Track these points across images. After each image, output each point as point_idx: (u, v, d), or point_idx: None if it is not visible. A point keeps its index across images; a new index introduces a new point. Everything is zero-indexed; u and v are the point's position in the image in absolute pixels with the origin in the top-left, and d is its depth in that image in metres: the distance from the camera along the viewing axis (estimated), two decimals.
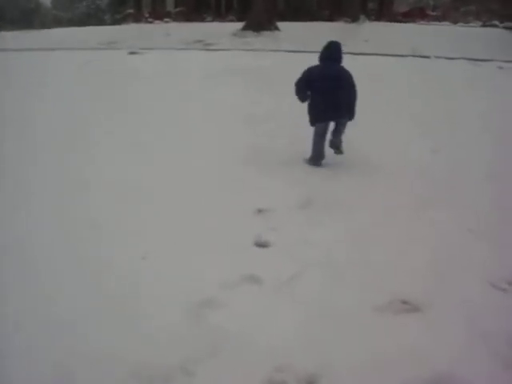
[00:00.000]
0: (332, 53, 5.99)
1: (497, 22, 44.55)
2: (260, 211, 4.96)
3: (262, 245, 4.36)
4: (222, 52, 15.36)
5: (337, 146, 6.07)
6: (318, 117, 5.99)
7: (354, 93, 5.91)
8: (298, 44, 19.93)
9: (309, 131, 6.16)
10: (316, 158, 6.13)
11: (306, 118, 6.17)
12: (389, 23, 29.43)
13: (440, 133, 7.39)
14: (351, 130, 6.13)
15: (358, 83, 6.03)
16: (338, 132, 6.03)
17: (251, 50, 16.48)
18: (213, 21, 32.00)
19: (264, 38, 21.77)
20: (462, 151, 6.63)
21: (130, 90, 9.75)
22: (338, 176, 5.85)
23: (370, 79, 8.65)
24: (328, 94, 5.78)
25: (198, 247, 4.22)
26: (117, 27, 30.56)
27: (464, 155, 6.49)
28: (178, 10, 36.66)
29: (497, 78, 10.64)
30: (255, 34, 22.21)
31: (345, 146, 6.15)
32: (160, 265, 3.94)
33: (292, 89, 6.15)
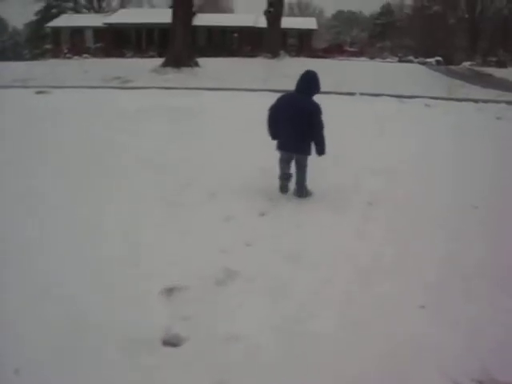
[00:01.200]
0: (301, 84, 5.67)
1: (412, 58, 46.34)
2: None
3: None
4: (139, 90, 14.36)
5: (299, 195, 5.92)
6: (278, 144, 5.86)
7: (317, 128, 5.53)
8: (218, 81, 19.32)
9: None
10: (280, 178, 6.01)
11: None
12: (309, 59, 29.51)
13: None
14: None
15: None
16: (298, 169, 5.85)
17: (170, 87, 15.58)
18: (133, 56, 31.14)
19: (184, 75, 21.06)
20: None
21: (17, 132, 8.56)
22: None
23: None
24: (287, 125, 5.60)
25: None
26: (34, 63, 29.08)
27: None
28: (97, 45, 35.55)
29: (426, 116, 10.24)
30: (175, 70, 21.48)
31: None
32: None
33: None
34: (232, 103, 11.52)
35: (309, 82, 5.68)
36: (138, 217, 5.19)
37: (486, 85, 22.67)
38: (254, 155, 7.06)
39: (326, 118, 5.49)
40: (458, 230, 5.04)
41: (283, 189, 6.02)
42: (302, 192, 5.91)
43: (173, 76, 21.24)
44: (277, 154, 5.91)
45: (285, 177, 5.98)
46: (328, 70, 22.68)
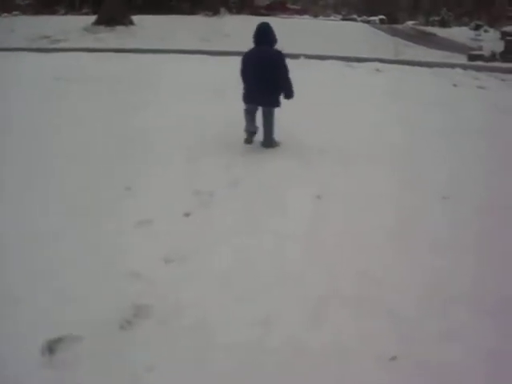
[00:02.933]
0: (258, 36, 5.69)
1: (355, 16, 45.21)
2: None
3: None
4: (67, 53, 12.67)
5: (266, 146, 5.94)
6: (244, 98, 5.87)
7: (282, 74, 5.58)
8: (155, 41, 17.74)
9: None
10: (247, 129, 5.99)
11: None
12: (251, 16, 27.99)
13: None
14: None
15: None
16: (264, 121, 5.86)
17: (102, 49, 13.94)
18: (66, 14, 28.81)
19: (117, 34, 19.29)
20: None
21: None
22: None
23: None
24: (252, 78, 5.64)
25: None
26: None
27: None
28: (27, 1, 32.82)
29: (377, 83, 9.15)
30: (108, 28, 19.63)
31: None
32: None
33: None
34: (170, 69, 10.16)
35: (266, 32, 5.66)
36: None
37: (432, 45, 21.91)
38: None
39: None
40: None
41: (248, 141, 5.97)
42: (271, 143, 5.90)
43: (105, 35, 19.47)
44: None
45: (251, 130, 5.96)
46: None
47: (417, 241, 3.89)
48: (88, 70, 9.98)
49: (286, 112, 5.79)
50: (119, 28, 19.79)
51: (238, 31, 20.23)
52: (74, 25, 21.13)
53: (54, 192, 4.70)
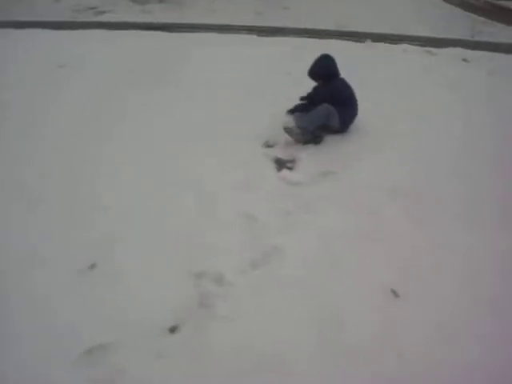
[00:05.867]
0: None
1: None
2: None
3: None
4: (105, 33, 10.56)
5: None
6: None
7: None
8: (204, 14, 15.54)
9: None
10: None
11: None
12: None
13: None
14: None
15: None
16: None
17: (150, 27, 11.81)
18: None
19: (167, 5, 17.17)
20: None
21: None
22: None
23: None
24: None
25: None
26: None
27: None
28: None
29: (470, 82, 6.65)
30: None
31: None
32: None
33: None
34: (200, 58, 8.01)
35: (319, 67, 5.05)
36: None
37: None
38: None
39: None
40: None
41: None
42: None
43: (155, 7, 17.34)
44: None
45: None
46: (333, 3, 18.77)
47: None
48: (101, 56, 7.91)
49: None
50: None
51: (298, 3, 17.75)
52: None
53: None
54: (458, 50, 8.29)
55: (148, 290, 3.01)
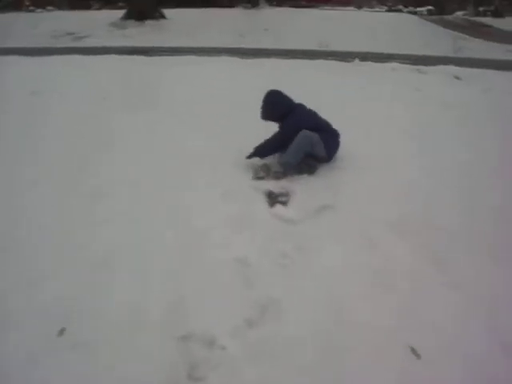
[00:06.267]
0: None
1: (401, 7, 41.52)
2: None
3: None
4: (82, 58, 10.07)
5: None
6: None
7: None
8: (185, 37, 15.26)
9: None
10: None
11: None
12: (291, 9, 25.24)
13: None
14: None
15: None
16: None
17: (128, 51, 11.38)
18: (101, 8, 26.63)
19: (147, 30, 16.93)
20: None
21: None
22: None
23: None
24: None
25: None
26: None
27: None
28: None
29: (459, 97, 6.30)
30: (137, 23, 17.31)
31: None
32: None
33: None
34: (182, 80, 7.60)
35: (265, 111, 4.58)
36: None
37: (489, 38, 18.74)
38: None
39: None
40: None
41: None
42: None
43: (134, 31, 17.10)
44: None
45: None
46: (313, 23, 18.59)
47: None
48: (76, 79, 7.48)
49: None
50: (149, 22, 17.40)
51: (277, 25, 17.57)
52: (104, 20, 18.82)
53: None
54: (449, 68, 8.01)
55: (122, 364, 2.52)
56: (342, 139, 4.63)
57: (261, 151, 4.55)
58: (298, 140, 4.33)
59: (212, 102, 6.11)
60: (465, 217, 3.75)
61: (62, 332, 2.71)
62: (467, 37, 19.58)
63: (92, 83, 7.23)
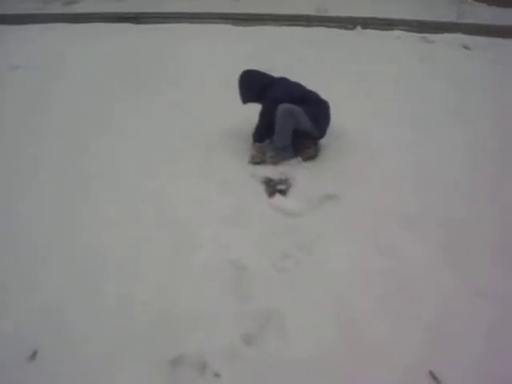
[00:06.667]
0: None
1: None
2: None
3: None
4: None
5: None
6: None
7: None
8: (181, 4, 14.53)
9: None
10: None
11: None
12: None
13: None
14: None
15: None
16: None
17: (121, 16, 10.70)
18: None
19: None
20: None
21: None
22: None
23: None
24: None
25: None
26: None
27: None
28: None
29: (468, 71, 5.83)
30: None
31: None
32: None
33: None
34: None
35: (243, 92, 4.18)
36: None
37: (494, 2, 17.96)
38: None
39: None
40: None
41: None
42: None
43: None
44: None
45: None
46: None
47: None
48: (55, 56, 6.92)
49: None
50: None
51: None
52: None
53: None
54: (457, 36, 7.46)
55: None
56: (346, 117, 4.23)
57: (257, 137, 4.14)
58: (278, 117, 3.87)
59: (203, 80, 5.65)
60: (487, 212, 3.36)
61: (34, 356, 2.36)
62: (469, 1, 18.77)
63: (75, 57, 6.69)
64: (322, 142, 4.16)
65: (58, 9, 14.59)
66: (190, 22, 9.37)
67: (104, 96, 5.31)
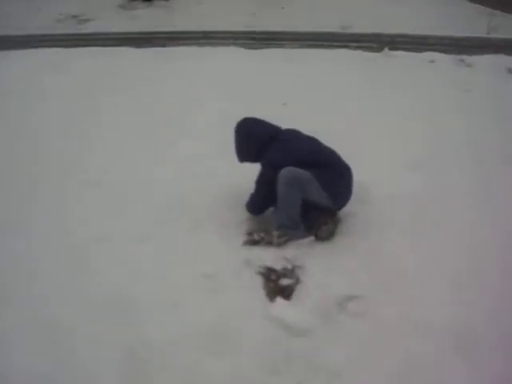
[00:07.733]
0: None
1: None
2: None
3: None
4: (84, 50, 8.50)
5: None
6: None
7: None
8: (194, 18, 13.71)
9: None
10: None
11: None
12: None
13: None
14: None
15: None
16: None
17: (134, 37, 9.82)
18: None
19: (155, 11, 15.56)
20: None
21: None
22: None
23: None
24: None
25: None
26: None
27: None
28: None
29: None
30: (146, 4, 16.05)
31: None
32: None
33: None
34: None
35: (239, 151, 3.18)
36: None
37: None
38: None
39: None
40: None
41: None
42: None
43: (142, 12, 15.70)
44: None
45: None
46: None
47: None
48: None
49: None
50: (157, 3, 16.08)
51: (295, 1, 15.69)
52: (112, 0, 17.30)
53: None
54: (500, 58, 6.28)
55: None
56: (374, 175, 3.16)
57: (252, 208, 3.11)
58: (279, 186, 2.85)
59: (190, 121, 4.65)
60: None
61: None
62: (498, 12, 17.37)
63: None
64: (344, 211, 3.09)
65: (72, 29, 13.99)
66: (199, 46, 8.38)
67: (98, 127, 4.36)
